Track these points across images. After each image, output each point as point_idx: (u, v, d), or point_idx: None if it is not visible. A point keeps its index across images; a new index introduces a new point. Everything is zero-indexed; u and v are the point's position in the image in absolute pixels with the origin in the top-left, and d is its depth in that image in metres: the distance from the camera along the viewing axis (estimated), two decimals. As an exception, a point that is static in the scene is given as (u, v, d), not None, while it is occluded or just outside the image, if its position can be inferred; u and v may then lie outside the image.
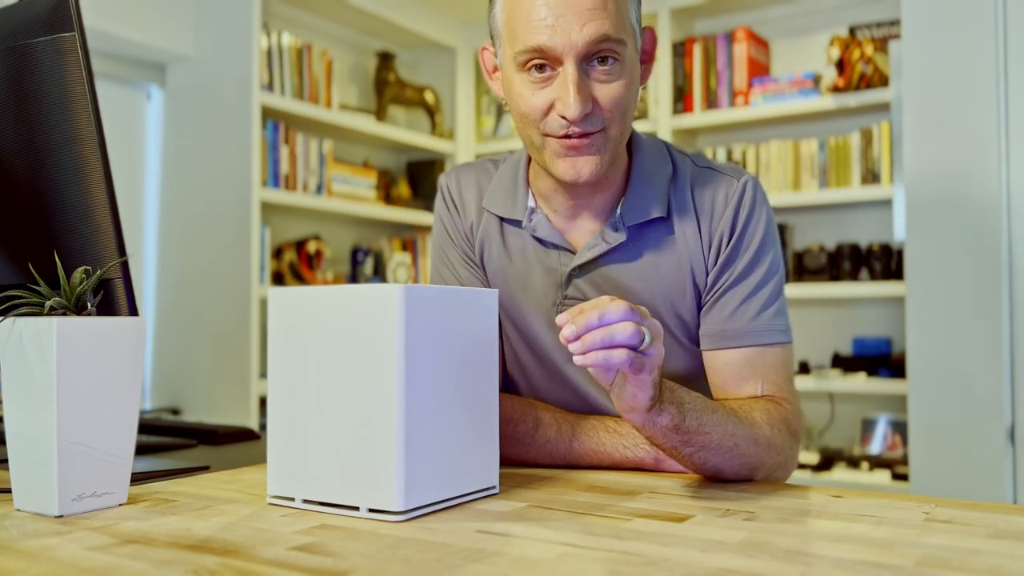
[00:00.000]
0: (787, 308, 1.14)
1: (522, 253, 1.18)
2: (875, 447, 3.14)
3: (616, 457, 1.07)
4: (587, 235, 1.14)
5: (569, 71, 1.01)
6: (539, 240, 1.16)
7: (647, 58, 1.12)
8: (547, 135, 1.05)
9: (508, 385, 1.23)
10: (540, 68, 1.03)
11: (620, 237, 1.11)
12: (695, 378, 1.16)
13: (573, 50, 1.00)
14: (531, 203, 1.17)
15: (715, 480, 1.00)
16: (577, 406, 1.18)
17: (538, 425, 1.09)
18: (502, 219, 1.20)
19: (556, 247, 1.15)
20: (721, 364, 1.11)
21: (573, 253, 1.14)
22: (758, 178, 1.15)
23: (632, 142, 1.16)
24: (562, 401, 1.18)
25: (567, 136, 1.04)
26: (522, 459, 1.10)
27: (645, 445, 1.05)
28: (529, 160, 1.19)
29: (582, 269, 1.14)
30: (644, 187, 1.13)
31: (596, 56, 1.02)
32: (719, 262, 1.11)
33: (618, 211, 1.13)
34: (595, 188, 1.12)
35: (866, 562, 0.67)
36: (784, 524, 0.80)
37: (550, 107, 1.03)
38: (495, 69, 1.14)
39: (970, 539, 0.73)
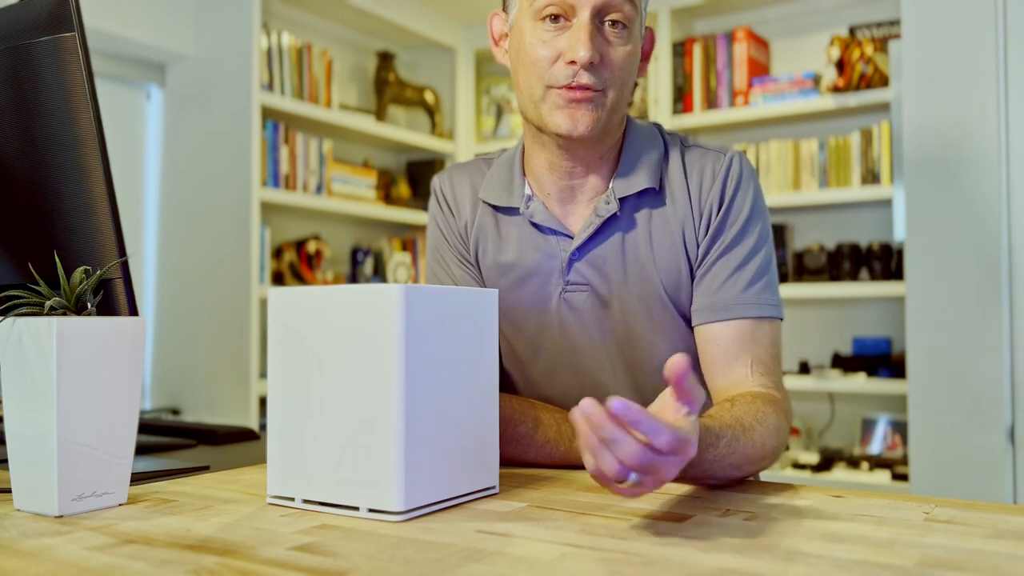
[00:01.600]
0: (777, 284, 1.14)
1: (520, 244, 1.18)
2: (875, 447, 3.14)
3: None
4: (583, 218, 1.16)
5: (583, 20, 1.06)
6: (537, 227, 1.17)
7: (644, 56, 1.16)
8: (550, 87, 1.09)
9: (504, 382, 1.23)
10: (555, 19, 1.08)
11: (612, 209, 1.13)
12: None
13: (591, 2, 1.06)
14: (527, 191, 1.18)
15: None
16: (579, 400, 1.18)
17: (538, 426, 1.09)
18: (499, 211, 1.21)
19: (554, 232, 1.16)
20: (711, 338, 1.11)
21: (571, 238, 1.15)
22: (746, 155, 1.16)
23: (626, 124, 1.19)
24: (563, 395, 1.18)
25: (570, 88, 1.07)
26: (522, 459, 1.10)
27: None
28: (524, 150, 1.21)
29: (581, 251, 1.15)
30: (634, 162, 1.15)
31: (609, 17, 1.07)
32: (708, 234, 1.13)
33: (610, 186, 1.14)
34: (588, 166, 1.14)
35: (866, 562, 0.67)
36: (784, 524, 0.80)
37: (558, 56, 1.08)
38: (503, 37, 1.18)
39: (970, 539, 0.73)
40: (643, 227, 1.14)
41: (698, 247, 1.13)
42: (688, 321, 1.15)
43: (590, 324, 1.16)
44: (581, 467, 1.08)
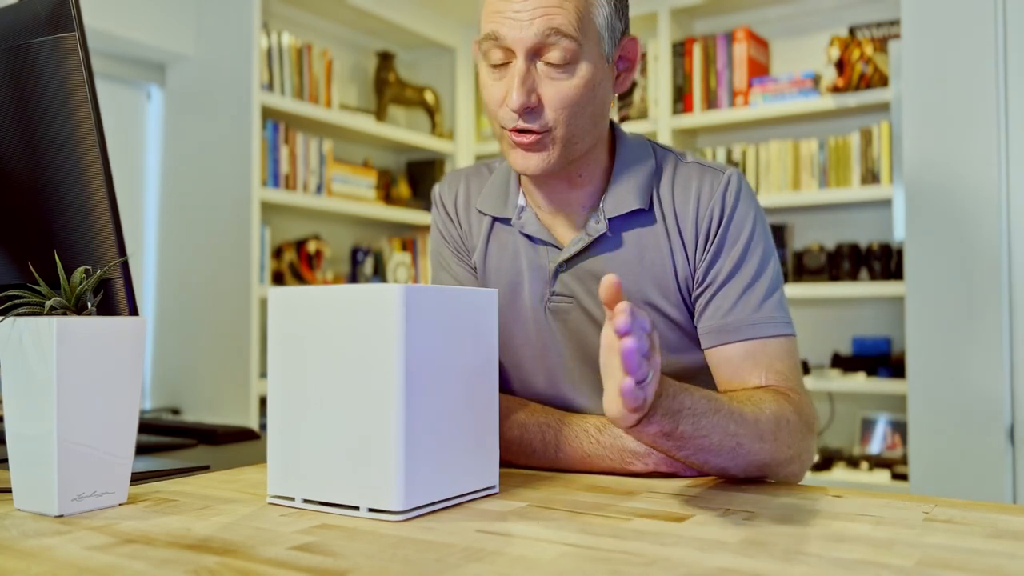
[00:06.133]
0: (785, 300, 1.13)
1: (513, 252, 1.19)
2: (875, 447, 3.14)
3: (603, 467, 1.06)
4: (573, 231, 1.16)
5: (517, 63, 1.04)
6: (528, 237, 1.18)
7: (628, 66, 1.14)
8: (503, 128, 1.09)
9: (501, 384, 1.23)
10: (500, 59, 1.07)
11: (601, 229, 1.13)
12: (680, 371, 1.15)
13: (522, 43, 1.03)
14: (521, 201, 1.19)
15: (722, 478, 1.00)
16: (564, 406, 1.18)
17: (523, 432, 1.09)
18: (493, 219, 1.22)
19: (544, 243, 1.17)
20: (723, 359, 1.10)
21: (560, 249, 1.16)
22: (744, 174, 1.15)
23: (615, 139, 1.18)
24: (553, 400, 1.18)
25: (516, 131, 1.07)
26: (512, 464, 1.10)
27: (630, 457, 1.04)
28: None
29: (568, 264, 1.15)
30: (625, 181, 1.14)
31: (548, 53, 1.04)
32: (707, 256, 1.11)
33: (600, 205, 1.14)
34: (573, 184, 1.14)
35: (866, 562, 0.67)
36: (784, 524, 0.80)
37: (504, 100, 1.07)
38: None
39: (970, 539, 0.74)
40: (632, 245, 1.13)
41: (694, 266, 1.12)
42: (673, 335, 1.14)
43: (573, 336, 1.16)
44: (564, 471, 1.08)
